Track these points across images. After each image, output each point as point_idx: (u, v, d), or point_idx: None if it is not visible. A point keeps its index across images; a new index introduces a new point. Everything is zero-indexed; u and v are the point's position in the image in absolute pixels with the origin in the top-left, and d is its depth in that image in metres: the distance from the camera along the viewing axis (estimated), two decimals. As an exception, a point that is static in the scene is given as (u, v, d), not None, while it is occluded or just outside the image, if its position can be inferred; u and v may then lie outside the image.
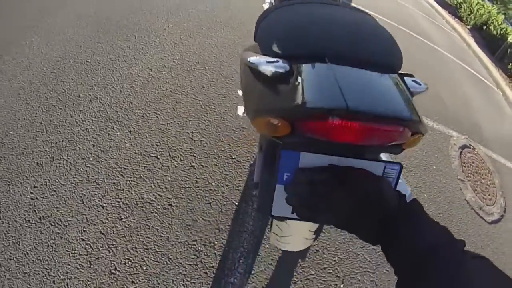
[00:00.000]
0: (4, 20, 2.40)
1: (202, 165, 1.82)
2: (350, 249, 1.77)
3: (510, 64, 6.68)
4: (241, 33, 2.99)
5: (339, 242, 1.78)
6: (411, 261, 0.37)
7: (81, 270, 1.36)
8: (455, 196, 2.57)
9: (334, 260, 1.69)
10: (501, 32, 8.03)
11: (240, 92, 1.59)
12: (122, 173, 1.69)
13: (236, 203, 1.73)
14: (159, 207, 1.61)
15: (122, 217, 1.54)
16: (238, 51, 2.62)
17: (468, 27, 8.62)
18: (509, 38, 7.68)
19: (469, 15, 8.60)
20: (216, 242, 1.58)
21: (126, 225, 1.52)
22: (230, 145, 1.95)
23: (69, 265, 1.37)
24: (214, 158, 1.87)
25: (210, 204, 1.69)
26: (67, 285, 1.32)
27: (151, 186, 1.67)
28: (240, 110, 1.30)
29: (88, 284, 1.34)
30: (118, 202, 1.59)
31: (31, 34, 2.30)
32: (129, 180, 1.67)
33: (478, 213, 2.58)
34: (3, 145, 1.67)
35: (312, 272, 1.61)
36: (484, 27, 8.54)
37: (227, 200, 1.72)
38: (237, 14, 3.25)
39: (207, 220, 1.62)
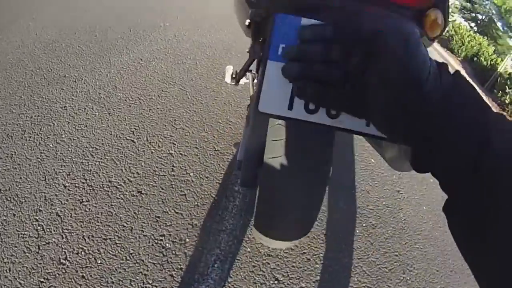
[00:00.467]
0: (4, 5, 2.44)
1: (181, 154, 1.69)
2: (346, 260, 1.56)
3: (500, 92, 6.87)
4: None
5: (334, 250, 1.58)
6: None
7: (27, 254, 1.21)
8: None
9: (328, 272, 1.49)
10: (491, 63, 8.25)
11: (227, 79, 1.50)
12: (92, 153, 1.57)
13: (215, 197, 1.57)
14: (126, 193, 1.47)
15: (84, 200, 1.40)
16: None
17: (459, 58, 8.92)
18: (499, 68, 7.93)
19: (460, 46, 8.91)
20: (187, 240, 1.40)
21: (87, 209, 1.38)
22: (214, 137, 1.82)
23: (16, 247, 1.22)
24: (196, 148, 1.74)
25: (185, 195, 1.54)
26: (9, 269, 1.17)
27: (121, 170, 1.54)
28: (228, 74, 1.24)
29: (32, 273, 1.18)
30: (83, 183, 1.46)
31: (28, 19, 2.32)
32: (99, 161, 1.55)
33: None
34: (-25, 115, 1.60)
35: (303, 285, 1.41)
36: (475, 58, 8.76)
37: (206, 193, 1.57)
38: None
39: (180, 214, 1.46)
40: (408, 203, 2.27)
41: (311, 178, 0.80)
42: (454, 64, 8.01)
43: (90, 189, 1.44)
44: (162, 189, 1.53)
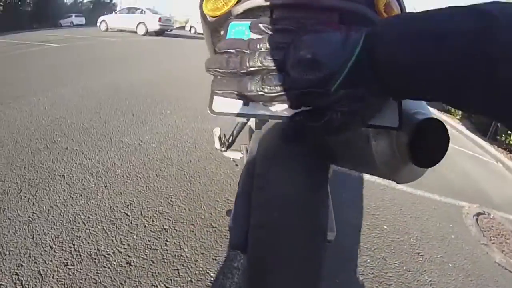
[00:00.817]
0: (21, 80, 3.15)
1: (176, 229, 1.98)
2: (351, 268, 1.63)
3: (504, 136, 7.89)
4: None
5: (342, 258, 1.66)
6: None
7: (-1, 311, 1.36)
8: (484, 260, 2.76)
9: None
10: None
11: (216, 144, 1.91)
12: (84, 221, 1.85)
13: (211, 274, 1.78)
14: (115, 263, 1.69)
15: (69, 263, 1.61)
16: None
17: (458, 117, 10.20)
18: None
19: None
20: (176, 321, 1.57)
21: (70, 273, 1.57)
22: (212, 214, 2.16)
23: (-11, 301, 1.38)
24: (192, 224, 2.05)
25: (177, 270, 1.75)
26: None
27: (112, 240, 1.80)
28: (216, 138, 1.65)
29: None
30: (70, 247, 1.69)
31: (40, 95, 2.98)
32: (90, 229, 1.82)
33: None
34: (-25, 172, 1.95)
35: None
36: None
37: (201, 269, 1.79)
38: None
39: (169, 289, 1.66)
40: (431, 263, 2.41)
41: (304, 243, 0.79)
42: (454, 124, 9.18)
43: (77, 254, 1.67)
44: (153, 262, 1.76)
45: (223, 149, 1.88)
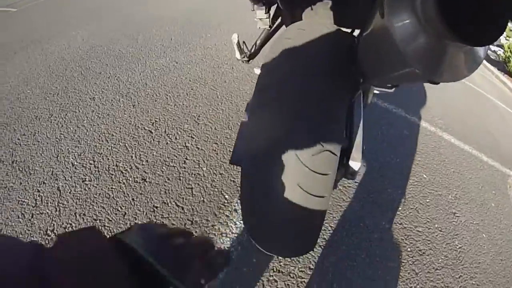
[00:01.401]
0: (59, 19, 3.21)
1: (198, 147, 1.80)
2: (380, 212, 1.36)
3: None
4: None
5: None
6: None
7: (20, 220, 1.39)
8: None
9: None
10: None
11: (237, 55, 1.64)
12: (107, 139, 1.80)
13: (227, 197, 1.59)
14: (130, 179, 1.61)
15: (87, 179, 1.58)
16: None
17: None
18: None
19: None
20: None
21: (86, 188, 1.54)
22: (238, 134, 1.93)
23: (13, 211, 1.42)
24: (215, 143, 1.84)
25: (191, 189, 1.60)
26: (0, 230, 1.37)
27: (131, 156, 1.71)
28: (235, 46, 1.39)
29: (19, 237, 1.35)
30: (90, 164, 1.66)
31: (78, 29, 3.01)
32: (112, 146, 1.76)
33: None
34: (17, 100, 2.04)
35: None
36: None
37: (216, 190, 1.61)
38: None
39: (181, 207, 1.51)
40: (465, 228, 2.08)
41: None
42: (506, 81, 8.16)
43: (95, 170, 1.63)
44: (168, 179, 1.63)
45: (244, 59, 1.65)
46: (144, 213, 1.46)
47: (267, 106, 0.76)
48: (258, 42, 1.58)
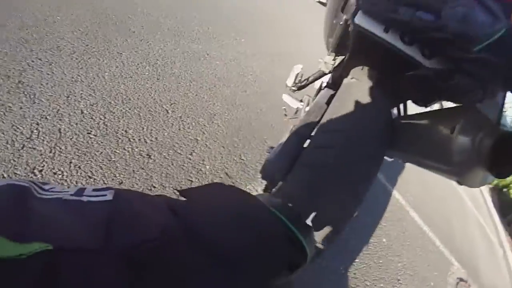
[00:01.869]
0: None
1: (207, 145, 1.76)
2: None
3: None
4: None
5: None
6: None
7: (8, 146, 1.25)
8: None
9: None
10: None
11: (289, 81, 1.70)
12: (124, 101, 1.71)
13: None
14: (136, 150, 1.53)
15: (92, 132, 1.48)
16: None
17: (490, 185, 9.90)
18: None
19: None
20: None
21: (89, 142, 1.44)
22: (245, 147, 1.92)
23: (3, 134, 1.29)
24: (222, 147, 1.82)
25: (191, 182, 1.55)
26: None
27: (143, 128, 1.64)
28: (293, 74, 1.44)
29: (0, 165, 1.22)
30: (100, 119, 1.56)
31: None
32: (126, 110, 1.67)
33: None
34: (44, 21, 1.87)
35: None
36: (504, 189, 9.94)
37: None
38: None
39: (177, 195, 1.47)
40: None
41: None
42: (482, 188, 9.00)
43: (103, 128, 1.53)
44: (172, 164, 1.57)
45: (293, 88, 1.72)
46: (141, 189, 1.40)
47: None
48: (310, 79, 1.63)
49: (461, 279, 3.58)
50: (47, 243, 0.19)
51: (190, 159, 1.65)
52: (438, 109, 0.93)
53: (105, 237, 0.21)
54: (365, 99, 0.86)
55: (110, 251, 0.21)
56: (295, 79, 1.70)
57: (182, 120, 1.82)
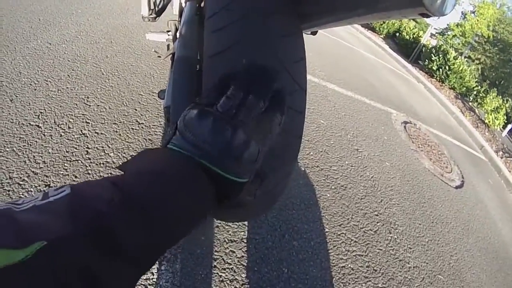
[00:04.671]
0: None
1: (97, 132, 1.60)
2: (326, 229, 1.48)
3: (427, 61, 8.40)
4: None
5: (310, 220, 1.50)
6: None
7: None
8: (415, 164, 2.90)
9: (311, 247, 1.42)
10: (414, 36, 9.90)
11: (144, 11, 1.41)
12: (-13, 144, 1.49)
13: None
14: (31, 189, 1.37)
15: None
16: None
17: (382, 36, 10.37)
18: (421, 40, 9.66)
19: (381, 25, 10.30)
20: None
21: None
22: (136, 110, 1.74)
23: None
24: (114, 123, 1.65)
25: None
26: None
27: (24, 162, 1.45)
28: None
29: None
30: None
31: None
32: (-3, 156, 1.47)
33: (442, 180, 3.00)
34: None
35: (284, 270, 1.35)
36: (397, 34, 10.41)
37: None
38: None
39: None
40: (370, 160, 2.40)
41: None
42: (378, 41, 9.28)
43: (-15, 188, 1.36)
44: (76, 177, 1.44)
45: (151, 16, 1.40)
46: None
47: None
48: None
49: (405, 122, 3.84)
50: (40, 241, 0.23)
51: (89, 159, 1.50)
52: None
53: (73, 222, 0.26)
54: None
55: (79, 231, 0.26)
56: (149, 4, 1.39)
57: (58, 125, 1.60)
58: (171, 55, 1.27)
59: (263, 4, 0.60)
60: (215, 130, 0.37)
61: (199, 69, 0.78)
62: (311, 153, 2.03)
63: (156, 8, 1.43)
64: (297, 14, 0.66)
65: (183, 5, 1.24)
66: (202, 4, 0.93)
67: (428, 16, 0.45)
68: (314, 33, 0.93)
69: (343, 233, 1.69)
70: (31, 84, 1.78)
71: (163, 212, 0.30)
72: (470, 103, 8.10)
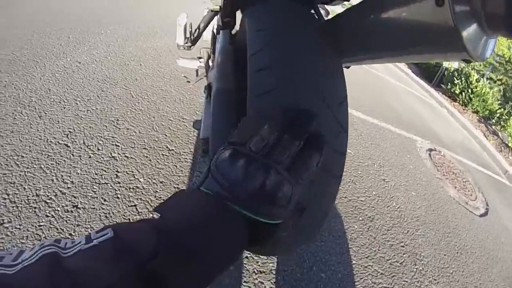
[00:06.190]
0: None
1: (127, 156, 1.57)
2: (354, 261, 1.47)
3: (449, 84, 8.05)
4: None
5: (337, 252, 1.49)
6: None
7: None
8: (441, 193, 2.82)
9: (338, 279, 1.40)
10: (435, 62, 9.56)
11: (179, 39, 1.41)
12: (17, 162, 1.42)
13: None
14: (58, 208, 1.32)
15: (5, 221, 1.24)
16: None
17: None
18: (443, 64, 9.24)
19: None
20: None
21: (8, 233, 1.21)
22: (166, 135, 1.73)
23: None
24: (144, 148, 1.63)
25: (135, 206, 1.40)
26: None
27: (52, 180, 1.40)
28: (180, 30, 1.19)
29: None
30: (4, 199, 1.29)
31: None
32: (25, 171, 1.40)
33: (467, 208, 2.92)
34: None
35: None
36: None
37: (162, 201, 1.45)
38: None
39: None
40: (396, 190, 2.38)
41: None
42: (401, 66, 9.08)
43: (12, 207, 1.29)
44: (105, 200, 1.40)
45: (187, 44, 1.42)
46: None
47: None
48: (201, 25, 1.35)
49: (430, 149, 3.79)
50: None
51: (118, 182, 1.46)
52: None
53: (118, 266, 0.26)
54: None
55: (128, 278, 0.25)
56: (184, 33, 1.40)
57: (87, 146, 1.57)
58: (204, 84, 1.27)
59: (308, 44, 0.59)
60: (247, 174, 0.36)
61: (237, 102, 0.75)
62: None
63: (192, 37, 1.45)
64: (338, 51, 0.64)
65: (215, 32, 1.25)
66: (233, 32, 0.94)
67: (469, 62, 0.44)
68: (347, 67, 0.89)
69: (370, 265, 1.68)
70: (60, 102, 1.75)
71: (206, 260, 0.31)
72: (493, 126, 7.58)
